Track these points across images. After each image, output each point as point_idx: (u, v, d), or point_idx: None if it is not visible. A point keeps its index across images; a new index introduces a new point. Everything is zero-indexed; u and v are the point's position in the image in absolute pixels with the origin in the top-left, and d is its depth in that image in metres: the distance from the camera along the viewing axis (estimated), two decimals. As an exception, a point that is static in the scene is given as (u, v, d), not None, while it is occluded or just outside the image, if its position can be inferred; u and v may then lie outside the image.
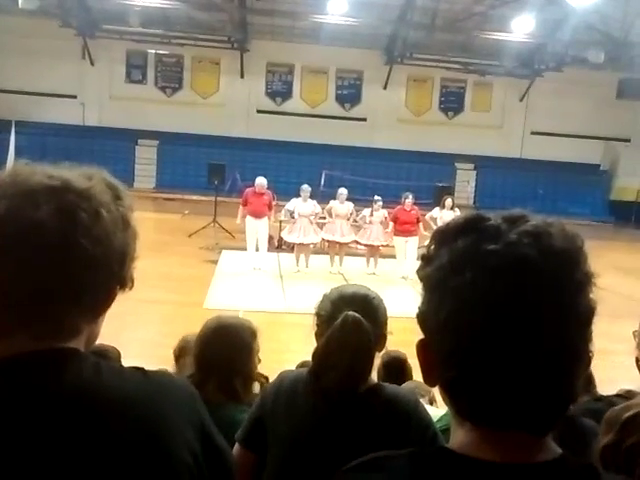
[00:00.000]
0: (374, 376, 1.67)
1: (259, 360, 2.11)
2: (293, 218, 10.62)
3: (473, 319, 0.67)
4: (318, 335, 1.64)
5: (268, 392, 1.67)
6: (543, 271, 0.67)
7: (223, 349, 1.98)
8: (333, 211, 10.60)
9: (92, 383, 0.81)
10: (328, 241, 10.70)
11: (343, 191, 10.70)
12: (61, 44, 20.22)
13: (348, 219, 10.78)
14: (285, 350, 5.93)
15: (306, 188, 10.55)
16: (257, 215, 10.12)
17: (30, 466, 0.74)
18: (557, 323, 0.67)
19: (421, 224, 10.46)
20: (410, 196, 10.57)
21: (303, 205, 10.46)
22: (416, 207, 10.73)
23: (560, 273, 0.68)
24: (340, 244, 10.63)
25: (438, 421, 1.99)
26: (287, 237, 10.67)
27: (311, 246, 10.62)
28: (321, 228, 10.74)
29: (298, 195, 10.65)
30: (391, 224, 10.50)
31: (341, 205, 10.64)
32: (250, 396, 2.00)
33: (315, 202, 10.67)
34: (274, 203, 10.66)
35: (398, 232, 10.44)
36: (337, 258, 10.69)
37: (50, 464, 0.75)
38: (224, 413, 1.76)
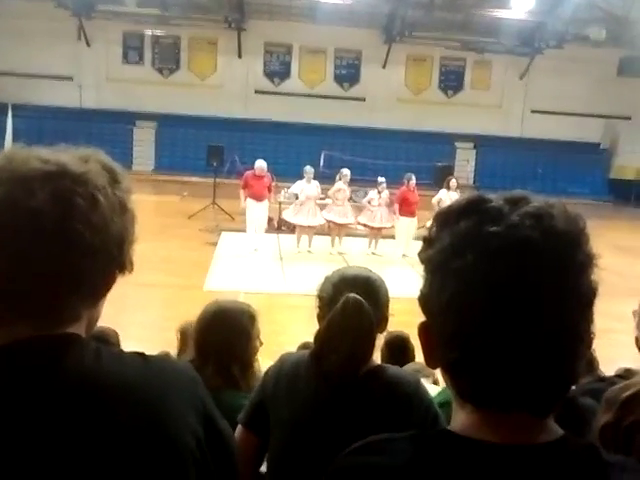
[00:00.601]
0: (377, 356, 1.67)
1: (261, 343, 2.10)
2: (297, 199, 10.56)
3: (475, 301, 0.67)
4: (320, 317, 1.63)
5: (269, 375, 1.67)
6: (545, 253, 0.66)
7: (221, 334, 1.97)
8: (342, 194, 10.55)
9: (93, 369, 0.81)
10: (334, 222, 10.65)
11: (347, 172, 10.68)
12: (56, 25, 20.01)
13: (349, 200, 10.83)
14: (285, 332, 5.95)
15: (309, 170, 10.53)
16: (259, 198, 10.12)
17: (31, 452, 0.74)
18: (559, 304, 0.67)
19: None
20: (413, 177, 10.58)
21: (308, 187, 10.44)
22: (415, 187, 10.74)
23: (562, 255, 0.67)
24: (345, 225, 10.64)
25: (437, 395, 2.01)
26: (293, 219, 10.56)
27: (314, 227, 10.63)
28: (321, 209, 10.73)
29: (298, 176, 10.59)
30: (396, 205, 10.51)
31: (345, 186, 10.65)
32: (249, 383, 1.99)
33: (317, 183, 10.64)
34: (273, 184, 10.64)
35: (405, 213, 10.46)
36: (337, 239, 10.70)
37: (51, 450, 0.75)
38: (223, 398, 1.77)
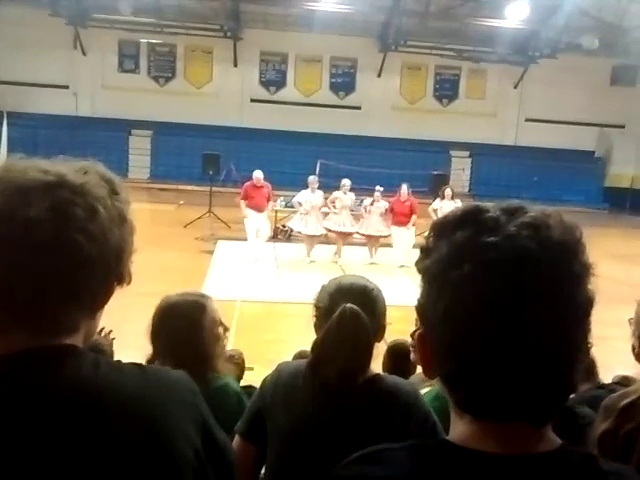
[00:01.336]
0: (379, 365, 1.67)
1: (225, 329, 2.07)
2: (300, 206, 10.53)
3: (472, 311, 0.67)
4: (317, 327, 1.63)
5: (266, 384, 1.67)
6: (542, 263, 0.67)
7: (170, 329, 1.97)
8: (339, 202, 10.56)
9: (90, 380, 0.80)
10: (335, 231, 10.63)
11: (347, 182, 10.70)
12: (52, 33, 20.06)
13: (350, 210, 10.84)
14: (282, 340, 5.94)
15: (314, 179, 10.54)
16: (259, 209, 10.09)
17: (29, 464, 0.74)
18: (556, 314, 0.67)
19: (414, 216, 10.44)
20: (404, 187, 10.58)
21: (314, 196, 10.44)
22: (412, 198, 10.71)
23: (559, 265, 0.68)
24: (346, 234, 10.64)
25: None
26: (303, 229, 10.51)
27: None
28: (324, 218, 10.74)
29: (294, 185, 10.57)
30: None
31: (345, 196, 10.66)
32: (213, 372, 1.98)
33: (322, 193, 10.62)
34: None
35: (393, 222, 10.56)
36: (335, 248, 10.70)
37: (50, 462, 0.75)
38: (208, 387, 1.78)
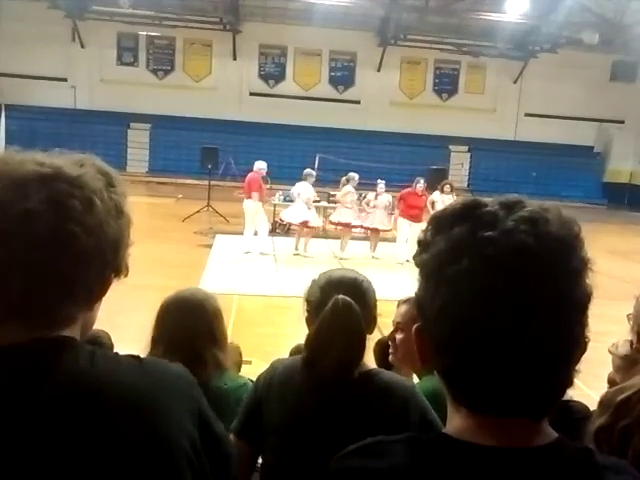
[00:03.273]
0: (370, 359, 1.67)
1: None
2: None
3: (469, 306, 0.67)
4: (309, 321, 1.63)
5: (261, 382, 1.66)
6: (540, 258, 0.66)
7: (189, 321, 1.97)
8: (349, 197, 10.52)
9: (87, 372, 0.80)
10: (339, 224, 10.59)
11: (356, 176, 10.67)
12: (50, 26, 19.94)
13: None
14: (280, 334, 5.94)
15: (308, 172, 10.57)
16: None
17: (27, 456, 0.74)
18: (554, 310, 0.67)
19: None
20: (421, 181, 10.53)
21: (300, 186, 10.48)
22: (426, 193, 10.64)
23: (557, 260, 0.67)
24: (351, 227, 10.60)
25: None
26: (292, 219, 10.58)
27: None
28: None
29: (293, 178, 10.55)
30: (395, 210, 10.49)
31: (353, 190, 10.63)
32: (227, 360, 2.02)
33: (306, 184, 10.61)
34: (268, 186, 10.66)
35: (404, 215, 10.36)
36: (335, 242, 10.71)
37: (47, 453, 0.75)
38: (215, 387, 1.80)
